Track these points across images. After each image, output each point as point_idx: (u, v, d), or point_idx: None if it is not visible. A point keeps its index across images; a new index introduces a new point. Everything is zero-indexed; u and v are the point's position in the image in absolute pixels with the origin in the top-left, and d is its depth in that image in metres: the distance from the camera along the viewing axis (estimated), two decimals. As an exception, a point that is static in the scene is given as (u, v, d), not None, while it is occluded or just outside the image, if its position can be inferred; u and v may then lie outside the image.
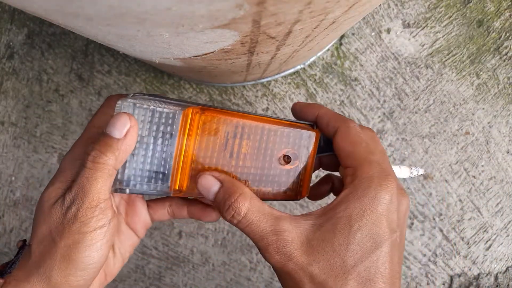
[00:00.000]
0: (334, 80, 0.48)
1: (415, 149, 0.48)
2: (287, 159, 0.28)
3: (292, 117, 0.31)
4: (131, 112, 0.24)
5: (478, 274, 0.48)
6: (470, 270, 0.48)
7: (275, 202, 0.48)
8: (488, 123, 0.48)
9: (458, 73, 0.48)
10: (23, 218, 0.49)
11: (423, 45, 0.47)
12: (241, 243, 0.48)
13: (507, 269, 0.48)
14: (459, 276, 0.48)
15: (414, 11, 0.47)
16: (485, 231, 0.48)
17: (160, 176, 0.25)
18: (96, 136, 0.24)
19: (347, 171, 0.26)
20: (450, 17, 0.47)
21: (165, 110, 0.24)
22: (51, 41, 0.49)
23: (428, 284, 0.48)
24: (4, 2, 0.21)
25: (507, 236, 0.48)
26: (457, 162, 0.48)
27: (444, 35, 0.47)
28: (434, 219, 0.48)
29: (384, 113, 0.48)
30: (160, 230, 0.48)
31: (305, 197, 0.30)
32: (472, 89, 0.48)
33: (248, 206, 0.24)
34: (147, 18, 0.18)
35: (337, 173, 0.33)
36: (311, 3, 0.19)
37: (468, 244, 0.48)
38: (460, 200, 0.48)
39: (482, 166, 0.48)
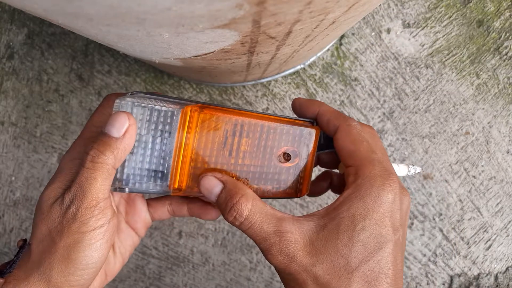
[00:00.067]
0: (334, 80, 0.48)
1: (415, 149, 0.48)
2: (287, 156, 0.28)
3: (291, 115, 0.31)
4: (130, 111, 0.24)
5: (478, 274, 0.48)
6: (470, 270, 0.48)
7: (275, 202, 0.48)
8: (488, 123, 0.48)
9: (458, 73, 0.48)
10: (23, 218, 0.50)
11: (423, 45, 0.47)
12: (241, 243, 0.48)
13: (507, 269, 0.48)
14: (459, 276, 0.48)
15: (414, 11, 0.47)
16: (485, 231, 0.48)
17: (159, 175, 0.25)
18: (95, 136, 0.24)
19: (349, 170, 0.26)
20: (450, 17, 0.47)
21: (163, 108, 0.24)
22: (51, 41, 0.49)
23: (428, 284, 0.48)
24: (4, 2, 0.21)
25: (507, 236, 0.48)
26: (457, 162, 0.48)
27: (444, 35, 0.47)
28: (434, 219, 0.48)
29: (384, 113, 0.48)
30: (160, 230, 0.48)
31: (305, 195, 0.30)
32: (472, 89, 0.48)
33: (250, 207, 0.24)
34: (147, 18, 0.18)
35: (335, 170, 0.33)
36: (311, 3, 0.19)
37: (468, 244, 0.48)
38: (460, 200, 0.48)
39: (482, 166, 0.48)
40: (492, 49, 0.47)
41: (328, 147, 0.30)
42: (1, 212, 0.50)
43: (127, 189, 0.25)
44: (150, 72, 0.49)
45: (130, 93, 0.25)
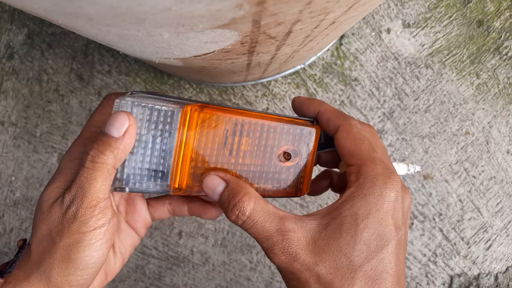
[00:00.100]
0: (334, 80, 0.48)
1: (415, 149, 0.48)
2: (287, 156, 0.28)
3: (292, 114, 0.31)
4: (130, 111, 0.24)
5: (478, 274, 0.48)
6: (470, 270, 0.48)
7: (274, 203, 0.48)
8: (488, 123, 0.48)
9: (458, 73, 0.48)
10: (23, 218, 0.50)
11: (423, 45, 0.47)
12: (241, 243, 0.48)
13: (507, 269, 0.48)
14: (459, 276, 0.48)
15: (414, 11, 0.47)
16: (485, 231, 0.48)
17: (160, 174, 0.25)
18: (94, 135, 0.24)
19: (351, 169, 0.26)
20: (450, 17, 0.47)
21: (163, 108, 0.24)
22: (51, 41, 0.49)
23: (428, 284, 0.48)
24: (4, 2, 0.21)
25: (507, 236, 0.48)
26: (457, 162, 0.48)
27: (444, 35, 0.47)
28: (434, 219, 0.48)
29: (384, 113, 0.48)
30: (160, 230, 0.48)
31: (305, 195, 0.30)
32: (472, 89, 0.48)
33: (253, 205, 0.24)
34: (147, 18, 0.18)
35: (335, 169, 0.33)
36: (311, 3, 0.19)
37: (468, 244, 0.48)
38: (460, 200, 0.48)
39: (482, 166, 0.48)
40: (492, 49, 0.48)
41: (328, 146, 0.30)
42: (1, 212, 0.50)
43: (127, 189, 0.25)
44: (150, 72, 0.49)
45: (130, 93, 0.24)
